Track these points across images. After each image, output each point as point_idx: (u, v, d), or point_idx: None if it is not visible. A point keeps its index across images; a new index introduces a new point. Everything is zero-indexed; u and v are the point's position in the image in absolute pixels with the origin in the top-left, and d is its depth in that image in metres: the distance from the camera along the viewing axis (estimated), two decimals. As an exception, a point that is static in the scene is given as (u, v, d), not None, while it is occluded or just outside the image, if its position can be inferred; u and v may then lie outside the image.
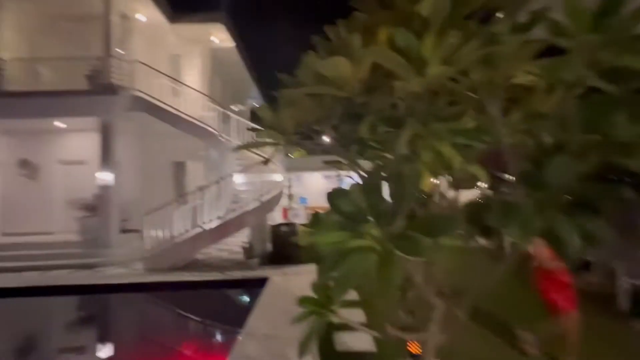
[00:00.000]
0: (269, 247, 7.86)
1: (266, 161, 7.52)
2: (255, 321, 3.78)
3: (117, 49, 9.03)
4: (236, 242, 9.64)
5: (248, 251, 6.92)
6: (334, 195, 0.95)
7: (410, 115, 1.10)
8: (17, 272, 7.01)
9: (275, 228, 7.52)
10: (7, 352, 4.17)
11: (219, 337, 4.45)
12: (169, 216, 6.86)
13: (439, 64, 0.96)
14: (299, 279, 5.61)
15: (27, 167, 9.82)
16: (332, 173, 17.34)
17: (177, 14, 10.16)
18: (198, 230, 6.71)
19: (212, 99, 9.67)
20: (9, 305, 5.74)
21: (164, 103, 8.71)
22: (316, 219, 1.10)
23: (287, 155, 12.48)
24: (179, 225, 6.85)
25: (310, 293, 1.32)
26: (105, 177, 8.16)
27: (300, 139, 1.59)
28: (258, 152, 9.69)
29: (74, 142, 9.97)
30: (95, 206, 8.20)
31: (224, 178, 7.20)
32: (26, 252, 7.82)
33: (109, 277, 6.26)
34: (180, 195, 9.98)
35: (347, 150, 1.54)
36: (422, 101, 1.10)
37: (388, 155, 1.33)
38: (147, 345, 4.36)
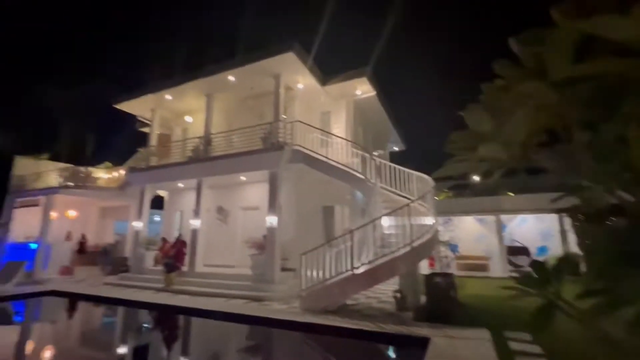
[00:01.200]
0: (422, 299, 6.97)
1: (413, 202, 7.02)
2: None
3: (282, 115, 11.01)
4: (385, 291, 9.11)
5: (400, 302, 6.26)
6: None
7: None
8: (210, 297, 8.71)
9: (430, 278, 6.63)
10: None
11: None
12: (320, 258, 7.14)
13: None
14: (468, 347, 4.52)
15: (222, 212, 12.70)
16: (488, 217, 14.81)
17: (327, 77, 11.69)
18: (348, 273, 6.64)
19: (357, 144, 10.19)
20: (200, 323, 7.03)
21: (317, 153, 9.75)
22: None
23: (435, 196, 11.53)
24: (329, 267, 7.00)
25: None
26: (271, 220, 9.49)
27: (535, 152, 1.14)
28: (404, 194, 9.34)
29: (251, 191, 12.32)
30: (263, 245, 9.54)
31: (370, 221, 7.07)
32: (216, 280, 9.72)
33: (273, 311, 6.83)
34: (330, 237, 10.51)
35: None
36: None
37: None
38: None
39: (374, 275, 6.49)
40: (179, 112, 14.59)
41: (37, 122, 20.87)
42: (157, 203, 15.96)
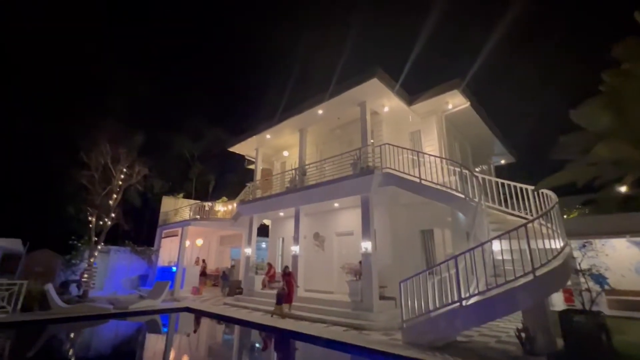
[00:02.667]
0: (558, 343, 5.63)
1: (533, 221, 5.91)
2: None
3: (370, 140, 11.10)
4: (505, 329, 7.74)
5: (527, 343, 5.19)
6: None
7: None
8: (311, 322, 8.92)
9: (567, 316, 5.36)
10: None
11: None
12: (422, 286, 6.60)
13: None
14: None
15: (318, 238, 13.20)
16: (650, 238, 11.28)
17: (414, 97, 11.40)
18: (455, 305, 5.91)
19: (453, 161, 9.40)
20: (302, 346, 7.19)
21: (408, 174, 9.36)
22: None
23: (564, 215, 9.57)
24: (433, 297, 6.38)
25: None
26: (366, 245, 9.36)
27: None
28: (519, 213, 8.03)
29: (345, 217, 12.52)
30: (359, 271, 9.42)
31: (478, 245, 6.23)
32: (317, 306, 9.94)
33: (374, 342, 6.53)
34: (430, 263, 9.68)
35: None
36: None
37: None
38: None
39: (488, 309, 5.60)
40: (277, 148, 16.30)
41: (174, 168, 26.23)
42: (264, 231, 17.73)
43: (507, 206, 8.59)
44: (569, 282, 8.72)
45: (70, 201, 15.50)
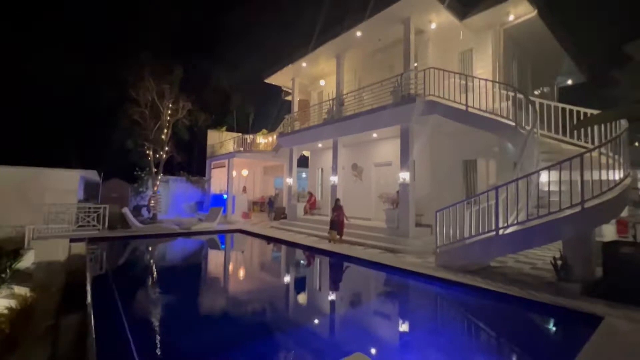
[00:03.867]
0: (597, 272, 5.63)
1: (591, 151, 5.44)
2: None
3: (414, 64, 10.17)
4: (543, 257, 7.82)
5: (562, 271, 5.27)
6: None
7: None
8: (350, 245, 9.71)
9: (612, 247, 5.23)
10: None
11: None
12: (459, 215, 6.69)
13: None
14: (667, 337, 3.48)
15: (356, 169, 13.44)
16: None
17: (467, 9, 9.85)
18: (491, 234, 6.00)
19: (507, 85, 8.45)
20: (341, 265, 8.02)
21: (454, 102, 8.70)
22: None
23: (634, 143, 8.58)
24: (469, 226, 6.50)
25: None
26: (404, 175, 9.40)
27: None
28: (579, 142, 7.33)
29: (384, 148, 12.40)
30: (397, 200, 9.67)
31: (522, 176, 5.97)
32: (355, 231, 10.68)
33: (407, 263, 7.05)
34: (471, 194, 9.58)
35: None
36: None
37: None
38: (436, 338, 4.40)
39: (526, 238, 5.63)
40: (313, 77, 15.71)
41: (215, 101, 26.83)
42: (304, 162, 18.36)
43: (566, 134, 7.83)
44: (626, 214, 8.27)
45: (128, 136, 17.03)
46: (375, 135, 11.98)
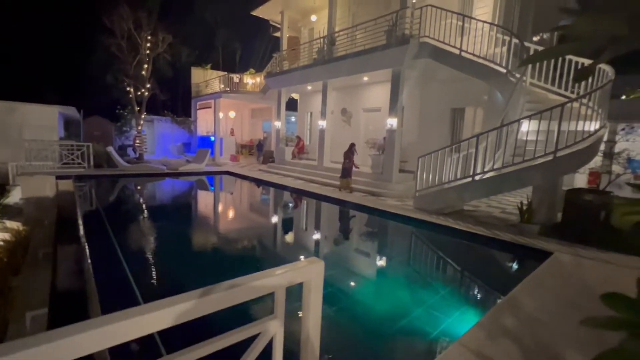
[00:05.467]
0: (558, 216, 6.15)
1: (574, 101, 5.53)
2: (520, 295, 3.14)
3: (412, 0, 9.45)
4: (513, 202, 8.36)
5: (526, 213, 5.74)
6: None
7: None
8: (334, 188, 10.07)
9: (574, 194, 5.64)
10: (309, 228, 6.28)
11: (472, 293, 4.20)
12: (440, 162, 6.94)
13: None
14: (601, 268, 4.01)
15: (345, 114, 13.28)
16: None
17: None
18: (467, 180, 6.33)
19: (504, 28, 8.10)
20: (326, 207, 8.44)
21: (449, 45, 8.36)
22: None
23: (617, 96, 8.64)
24: (449, 171, 6.79)
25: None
26: (392, 122, 9.41)
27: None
28: (567, 93, 7.36)
29: (374, 92, 12.13)
30: (383, 146, 9.82)
31: (503, 125, 6.10)
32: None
33: (387, 206, 7.47)
34: (454, 142, 9.77)
35: None
36: None
37: None
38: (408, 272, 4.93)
39: (498, 184, 5.98)
40: (305, 11, 14.53)
41: (198, 35, 24.79)
42: (293, 105, 17.91)
43: (556, 85, 7.80)
44: (596, 165, 8.70)
45: (106, 71, 15.99)
46: (365, 79, 11.62)
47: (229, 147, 18.24)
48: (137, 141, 15.23)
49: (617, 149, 6.82)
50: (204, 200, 10.17)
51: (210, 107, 19.24)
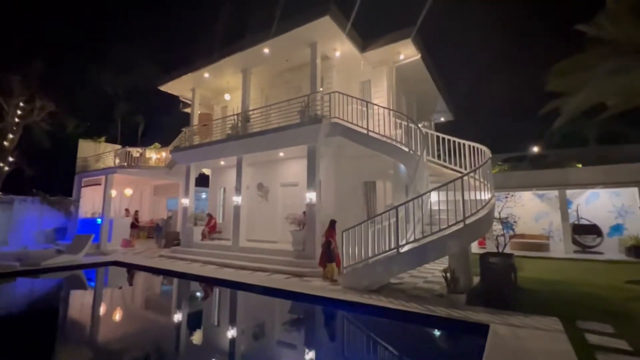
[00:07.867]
0: (475, 281, 6.37)
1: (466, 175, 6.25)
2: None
3: (319, 87, 10.43)
4: (431, 270, 8.57)
5: (451, 283, 5.74)
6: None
7: None
8: (252, 271, 8.87)
9: (485, 259, 5.98)
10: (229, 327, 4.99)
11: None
12: (362, 235, 6.77)
13: None
14: (534, 337, 3.94)
15: (262, 188, 12.78)
16: (550, 192, 13.25)
17: (367, 43, 10.78)
18: (392, 252, 6.21)
19: (400, 113, 9.39)
20: (243, 295, 7.15)
21: (356, 125, 9.16)
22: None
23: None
24: (372, 245, 6.62)
25: None
26: (311, 195, 9.26)
27: None
28: (456, 167, 8.50)
29: (290, 167, 12.16)
30: (304, 221, 9.40)
31: (416, 196, 6.47)
32: (259, 255, 9.88)
33: (313, 288, 6.70)
34: (372, 214, 10.07)
35: None
36: None
37: None
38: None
39: (421, 255, 5.98)
40: (218, 90, 14.68)
41: (94, 106, 22.48)
42: (204, 181, 16.64)
43: (446, 161, 9.05)
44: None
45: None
46: (282, 154, 11.69)
47: (122, 230, 15.25)
48: (-19, 229, 11.37)
49: (503, 214, 7.87)
50: (75, 306, 7.46)
51: (99, 184, 16.38)
